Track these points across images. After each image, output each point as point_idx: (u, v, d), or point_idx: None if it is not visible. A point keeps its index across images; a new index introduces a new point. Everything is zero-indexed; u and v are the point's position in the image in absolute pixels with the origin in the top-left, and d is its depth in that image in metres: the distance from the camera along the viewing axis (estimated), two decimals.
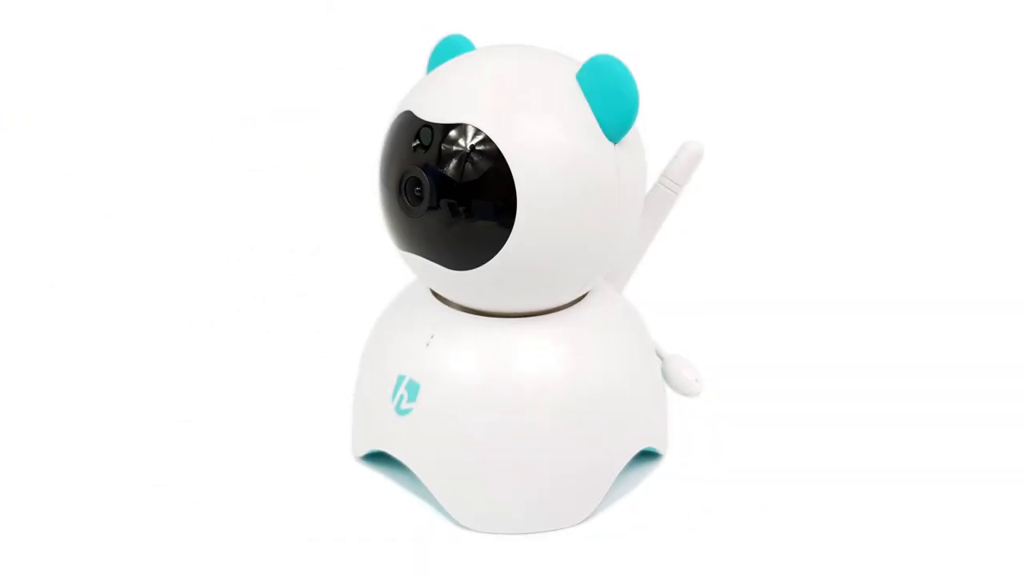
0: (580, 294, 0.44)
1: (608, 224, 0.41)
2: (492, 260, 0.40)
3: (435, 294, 0.45)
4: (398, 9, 0.82)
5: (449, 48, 0.44)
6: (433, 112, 0.41)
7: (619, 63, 0.40)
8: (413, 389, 0.43)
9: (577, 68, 0.41)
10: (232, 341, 0.59)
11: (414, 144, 0.40)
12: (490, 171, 0.39)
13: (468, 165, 0.39)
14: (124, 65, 0.80)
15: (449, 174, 0.40)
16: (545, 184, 0.39)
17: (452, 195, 0.40)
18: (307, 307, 0.62)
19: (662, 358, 0.48)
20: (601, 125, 0.40)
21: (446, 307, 0.44)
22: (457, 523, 0.45)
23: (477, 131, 0.40)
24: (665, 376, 0.48)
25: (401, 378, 0.43)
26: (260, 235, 0.69)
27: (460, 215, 0.40)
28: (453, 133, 0.40)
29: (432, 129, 0.40)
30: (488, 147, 0.39)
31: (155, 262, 0.66)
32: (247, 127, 0.76)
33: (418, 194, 0.40)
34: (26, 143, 0.75)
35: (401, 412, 0.44)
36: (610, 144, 0.41)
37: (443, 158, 0.40)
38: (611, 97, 0.40)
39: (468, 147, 0.40)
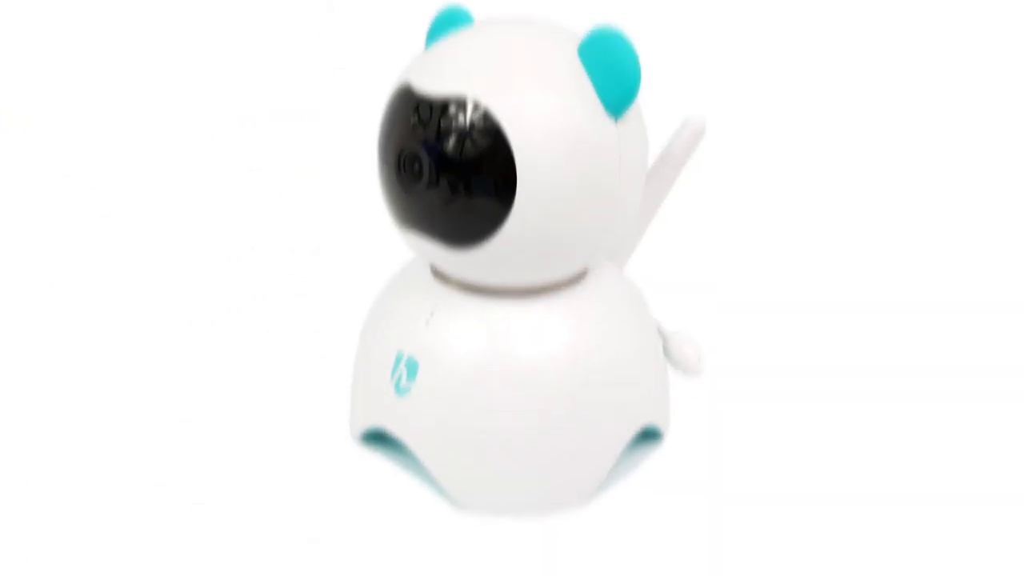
0: (581, 271, 0.44)
1: (609, 200, 0.41)
2: (492, 237, 0.40)
3: (434, 272, 0.44)
4: (397, 8, 0.82)
5: (447, 21, 0.43)
6: (431, 86, 0.40)
7: (621, 37, 0.40)
8: (412, 367, 0.43)
9: (578, 42, 0.41)
10: (231, 338, 0.59)
11: (412, 120, 0.40)
12: (490, 147, 0.39)
13: (467, 141, 0.39)
14: (123, 64, 0.80)
15: (448, 150, 0.39)
16: (545, 160, 0.39)
17: (451, 171, 0.39)
18: (307, 306, 0.62)
19: (664, 335, 0.48)
20: (602, 100, 0.40)
21: (446, 284, 0.43)
22: (456, 504, 0.44)
23: (476, 106, 0.39)
24: (667, 354, 0.47)
25: (400, 356, 0.43)
26: (260, 234, 0.69)
27: (459, 192, 0.39)
28: (452, 108, 0.39)
29: (431, 104, 0.39)
30: (487, 122, 0.39)
31: (153, 260, 0.66)
32: (247, 127, 0.76)
33: (417, 171, 0.40)
34: (26, 143, 0.74)
35: (400, 391, 0.43)
36: (611, 120, 0.40)
37: (442, 134, 0.39)
38: (613, 73, 0.39)
39: (467, 122, 0.39)
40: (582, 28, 0.42)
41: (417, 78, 0.40)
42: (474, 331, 0.42)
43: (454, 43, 0.42)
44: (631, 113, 0.41)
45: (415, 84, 0.40)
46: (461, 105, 0.39)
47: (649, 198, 0.45)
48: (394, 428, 0.44)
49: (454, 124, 0.39)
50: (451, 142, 0.39)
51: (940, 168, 0.72)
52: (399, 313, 0.44)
